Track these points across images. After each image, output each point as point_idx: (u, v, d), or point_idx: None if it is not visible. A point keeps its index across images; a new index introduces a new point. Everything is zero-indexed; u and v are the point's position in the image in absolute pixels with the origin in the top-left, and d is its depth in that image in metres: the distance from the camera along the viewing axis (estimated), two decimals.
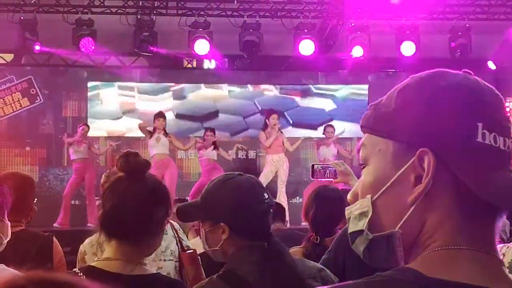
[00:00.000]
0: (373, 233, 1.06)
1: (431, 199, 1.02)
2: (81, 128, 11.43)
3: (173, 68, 12.91)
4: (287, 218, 8.93)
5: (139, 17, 11.20)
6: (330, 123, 12.34)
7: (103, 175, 3.80)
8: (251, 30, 11.31)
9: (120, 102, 12.89)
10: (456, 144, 1.01)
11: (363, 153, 1.11)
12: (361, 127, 1.13)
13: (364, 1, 10.85)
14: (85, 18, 10.93)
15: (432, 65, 1.16)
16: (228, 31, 11.17)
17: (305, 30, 11.33)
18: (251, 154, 12.74)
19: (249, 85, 13.26)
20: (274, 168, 11.23)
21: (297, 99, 13.30)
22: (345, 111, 13.15)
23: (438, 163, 1.01)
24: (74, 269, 2.39)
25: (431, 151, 1.02)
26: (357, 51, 11.41)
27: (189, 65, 12.91)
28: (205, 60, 12.66)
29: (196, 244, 4.30)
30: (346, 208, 1.13)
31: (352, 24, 11.41)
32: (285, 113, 13.04)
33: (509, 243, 2.45)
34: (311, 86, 13.36)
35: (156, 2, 11.16)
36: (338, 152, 11.57)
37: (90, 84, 12.79)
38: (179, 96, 13.05)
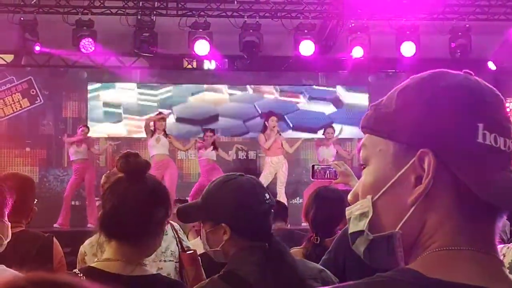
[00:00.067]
0: (373, 233, 1.06)
1: (431, 200, 1.02)
2: (80, 129, 11.44)
3: (173, 69, 12.92)
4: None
5: (139, 17, 11.21)
6: (330, 125, 12.33)
7: (103, 176, 3.79)
8: (251, 31, 11.32)
9: (121, 105, 12.89)
10: (457, 145, 1.01)
11: (364, 153, 1.11)
12: (362, 127, 1.13)
13: (364, 2, 10.85)
14: (85, 19, 10.93)
15: (432, 66, 1.16)
16: (228, 32, 11.17)
17: (305, 31, 11.33)
18: (251, 154, 12.75)
19: (249, 88, 13.26)
20: (273, 170, 11.24)
21: (297, 102, 13.28)
22: (345, 114, 13.16)
23: (439, 163, 1.01)
24: (74, 270, 2.39)
25: (431, 151, 1.01)
26: (357, 52, 11.42)
27: (189, 66, 12.93)
28: (205, 61, 12.67)
29: (196, 244, 4.30)
30: (347, 208, 1.13)
31: (352, 25, 11.42)
32: (285, 116, 13.05)
33: (509, 243, 2.45)
34: (311, 88, 13.35)
35: (156, 3, 11.16)
36: (337, 152, 11.58)
37: (90, 84, 12.79)
38: (179, 99, 13.06)
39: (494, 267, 1.02)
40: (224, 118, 13.05)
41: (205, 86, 13.16)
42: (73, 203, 11.47)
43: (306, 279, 2.27)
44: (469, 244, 1.01)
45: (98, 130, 12.64)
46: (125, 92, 12.96)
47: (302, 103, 13.33)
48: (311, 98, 13.32)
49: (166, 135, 11.12)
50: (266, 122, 11.41)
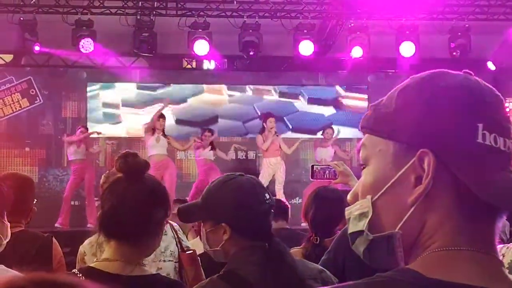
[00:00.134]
0: (373, 233, 1.06)
1: (431, 200, 1.02)
2: (79, 130, 11.44)
3: (172, 69, 12.92)
4: None
5: (138, 17, 11.21)
6: (329, 126, 12.32)
7: (103, 176, 3.80)
8: (250, 31, 11.32)
9: (121, 107, 12.90)
10: (456, 145, 1.01)
11: (363, 153, 1.11)
12: (361, 127, 1.13)
13: (363, 2, 10.85)
14: (85, 19, 10.93)
15: (431, 66, 1.16)
16: (228, 32, 11.17)
17: (305, 31, 11.33)
18: (251, 154, 12.75)
19: (248, 89, 13.25)
20: (271, 171, 11.25)
21: (296, 103, 13.27)
22: (345, 116, 13.16)
23: (438, 163, 1.01)
24: (73, 270, 2.39)
25: (431, 151, 1.01)
26: (357, 52, 11.42)
27: (189, 66, 12.92)
28: (204, 61, 12.67)
29: (195, 244, 4.30)
30: (346, 208, 1.13)
31: (352, 25, 11.42)
32: (284, 118, 13.06)
33: (508, 243, 2.45)
34: (310, 89, 13.34)
35: (155, 3, 11.16)
36: (335, 153, 11.60)
37: (89, 84, 12.79)
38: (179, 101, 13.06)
39: (494, 267, 1.02)
40: (224, 120, 13.04)
41: (204, 87, 13.15)
42: (72, 203, 11.47)
43: (306, 279, 2.27)
44: (469, 245, 1.01)
45: (98, 130, 12.65)
46: (125, 92, 12.95)
47: (302, 104, 13.31)
48: (310, 99, 13.31)
49: (165, 135, 11.13)
50: (264, 123, 11.42)
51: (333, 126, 12.45)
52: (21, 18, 10.84)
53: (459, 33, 11.54)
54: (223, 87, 13.19)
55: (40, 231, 3.84)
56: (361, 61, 11.74)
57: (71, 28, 10.93)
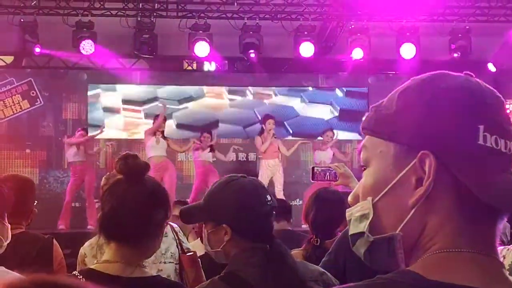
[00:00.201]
0: (374, 235, 1.06)
1: (432, 202, 1.02)
2: (79, 133, 11.45)
3: (173, 70, 12.92)
4: None
5: (139, 19, 11.21)
6: (330, 128, 12.30)
7: (103, 178, 3.79)
8: (251, 32, 11.32)
9: (121, 108, 12.91)
10: (457, 147, 1.01)
11: (364, 155, 1.11)
12: (362, 128, 1.13)
13: (363, 3, 10.85)
14: (85, 20, 10.93)
15: (432, 67, 1.16)
16: (228, 33, 11.17)
17: (305, 32, 11.33)
18: (252, 156, 12.74)
19: (249, 93, 13.24)
20: (270, 173, 11.25)
21: (297, 107, 13.27)
22: (345, 118, 13.16)
23: (439, 165, 1.01)
24: (74, 272, 2.39)
25: (432, 153, 1.01)
26: (357, 53, 11.41)
27: (189, 67, 12.92)
28: (205, 62, 12.67)
29: (196, 246, 4.30)
30: (347, 210, 1.13)
31: (352, 26, 11.41)
32: (284, 122, 13.07)
33: (509, 245, 2.45)
34: (310, 92, 13.34)
35: (156, 4, 11.17)
36: (334, 155, 11.60)
37: (90, 86, 12.79)
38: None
39: (495, 269, 1.02)
40: (224, 124, 13.05)
41: (205, 91, 13.14)
42: (73, 204, 11.48)
43: (307, 281, 2.28)
44: (469, 246, 1.01)
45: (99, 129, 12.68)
46: (125, 94, 12.95)
47: (302, 108, 13.30)
48: (310, 103, 13.30)
49: (164, 137, 11.15)
50: (263, 125, 11.42)
51: (333, 129, 12.46)
52: (22, 20, 10.84)
53: (460, 35, 11.54)
54: (224, 91, 13.18)
55: (41, 233, 3.84)
56: (362, 62, 11.74)
57: (72, 29, 10.92)
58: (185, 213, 2.48)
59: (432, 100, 1.04)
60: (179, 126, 12.89)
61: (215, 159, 11.74)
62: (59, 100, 12.69)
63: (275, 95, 13.31)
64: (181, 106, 12.99)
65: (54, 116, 12.65)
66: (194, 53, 11.21)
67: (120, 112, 12.89)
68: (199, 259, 3.61)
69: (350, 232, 1.11)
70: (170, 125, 12.45)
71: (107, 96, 12.88)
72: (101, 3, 10.81)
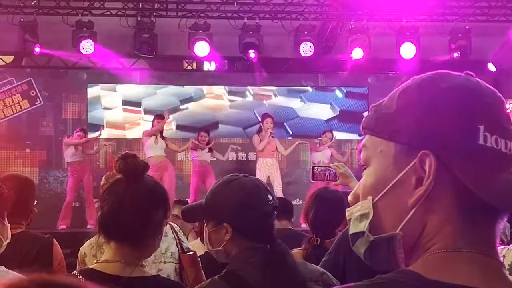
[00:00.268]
0: (374, 234, 1.06)
1: (432, 201, 1.02)
2: (77, 134, 11.45)
3: (173, 70, 12.92)
4: None
5: (139, 19, 11.22)
6: (329, 129, 12.30)
7: (103, 177, 3.79)
8: (251, 32, 11.33)
9: (121, 108, 12.91)
10: (458, 147, 1.01)
11: (364, 154, 1.11)
12: (362, 128, 1.13)
13: (363, 3, 10.86)
14: (85, 20, 10.93)
15: (432, 67, 1.16)
16: (228, 33, 11.18)
17: (305, 32, 11.34)
18: (251, 156, 12.74)
19: (248, 94, 13.24)
20: (267, 171, 11.24)
21: (297, 108, 13.26)
22: (344, 118, 13.15)
23: (439, 165, 1.01)
24: (74, 272, 2.39)
25: (432, 153, 1.01)
26: (357, 53, 11.42)
27: (189, 67, 12.92)
28: (205, 62, 12.67)
29: (196, 246, 4.30)
30: (347, 209, 1.13)
31: (352, 26, 11.42)
32: (284, 124, 13.07)
33: (509, 245, 2.45)
34: (310, 93, 13.34)
35: (156, 4, 11.17)
36: (332, 155, 11.60)
37: (90, 86, 12.80)
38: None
39: (494, 269, 1.02)
40: (224, 126, 13.06)
41: (205, 92, 13.14)
42: (73, 204, 11.48)
43: (307, 282, 2.27)
44: (469, 246, 1.01)
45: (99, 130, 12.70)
46: (125, 93, 12.96)
47: (301, 109, 13.29)
48: (310, 103, 13.29)
49: (163, 137, 11.16)
50: (261, 124, 11.43)
51: (332, 127, 12.47)
52: (22, 20, 10.85)
53: (460, 35, 11.55)
54: (224, 92, 13.18)
55: (41, 233, 3.84)
56: (362, 62, 11.74)
57: (72, 29, 10.93)
58: (187, 212, 2.49)
59: (432, 100, 1.04)
60: (179, 127, 12.89)
61: (214, 158, 11.74)
62: (59, 100, 12.69)
63: (275, 96, 13.31)
64: (181, 107, 13.00)
65: (54, 116, 12.65)
66: (194, 53, 11.22)
67: (120, 111, 12.89)
68: (199, 259, 3.61)
69: (350, 232, 1.11)
70: (170, 127, 12.48)
71: (107, 96, 12.88)
72: (101, 2, 10.82)
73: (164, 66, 12.69)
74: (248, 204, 2.26)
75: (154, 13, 11.26)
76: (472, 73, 1.09)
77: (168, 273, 3.55)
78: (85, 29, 10.94)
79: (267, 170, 11.26)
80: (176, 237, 3.72)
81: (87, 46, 10.87)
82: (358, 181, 1.16)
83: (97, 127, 12.32)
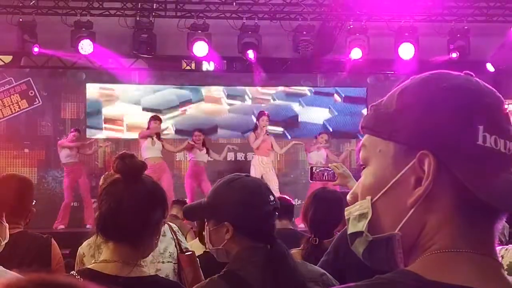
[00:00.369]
0: (372, 234, 1.06)
1: (431, 201, 1.02)
2: (72, 134, 11.45)
3: (171, 70, 12.92)
4: None
5: (138, 19, 11.21)
6: (326, 131, 12.29)
7: (102, 177, 3.79)
8: (250, 32, 11.33)
9: (120, 108, 12.91)
10: (457, 147, 1.01)
11: (363, 154, 1.11)
12: (362, 127, 1.13)
13: (362, 3, 10.86)
14: (84, 20, 10.93)
15: (430, 67, 1.16)
16: (227, 33, 11.18)
17: (304, 32, 11.33)
18: (250, 156, 12.74)
19: (247, 98, 13.23)
20: (262, 169, 11.23)
21: (296, 109, 13.26)
22: (343, 118, 13.15)
23: (439, 165, 1.01)
24: (72, 272, 2.38)
25: (431, 153, 1.01)
26: (356, 53, 11.41)
27: (188, 67, 12.91)
28: (203, 62, 12.66)
29: (195, 246, 4.30)
30: (346, 208, 1.13)
31: (351, 26, 11.42)
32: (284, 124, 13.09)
33: (507, 245, 2.46)
34: (309, 96, 13.33)
35: (155, 4, 11.17)
36: (327, 156, 11.60)
37: (88, 86, 12.79)
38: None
39: (493, 269, 1.02)
40: (223, 130, 13.05)
41: (204, 95, 13.12)
42: (71, 204, 11.48)
43: (307, 282, 2.27)
44: (468, 246, 1.01)
45: (98, 132, 12.70)
46: (124, 93, 12.95)
47: (301, 111, 13.28)
48: (308, 107, 13.29)
49: (159, 138, 11.16)
50: (257, 121, 11.44)
51: (331, 128, 12.46)
52: (21, 20, 10.84)
53: (458, 35, 11.55)
54: (223, 96, 13.17)
55: (39, 232, 3.84)
56: (360, 62, 11.74)
57: (70, 29, 10.93)
58: (189, 210, 2.51)
59: (432, 100, 1.04)
60: (178, 131, 12.89)
61: (211, 159, 11.74)
62: (57, 100, 12.68)
63: (273, 99, 13.30)
64: (180, 111, 13.01)
65: (52, 116, 12.65)
66: (193, 53, 11.22)
67: (119, 111, 12.89)
68: (197, 259, 3.61)
69: (349, 231, 1.11)
70: (169, 130, 12.50)
71: (106, 96, 12.87)
72: (100, 3, 10.82)
73: (163, 66, 12.69)
74: (250, 204, 2.27)
75: (153, 13, 11.26)
76: (472, 73, 1.09)
77: (167, 273, 3.54)
78: (84, 29, 10.94)
79: (262, 168, 11.25)
80: (175, 237, 3.72)
81: (86, 46, 10.86)
82: (357, 181, 1.16)
83: (96, 127, 12.31)
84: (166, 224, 3.37)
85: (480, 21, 11.41)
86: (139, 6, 11.15)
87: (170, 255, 3.65)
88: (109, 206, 2.26)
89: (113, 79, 12.60)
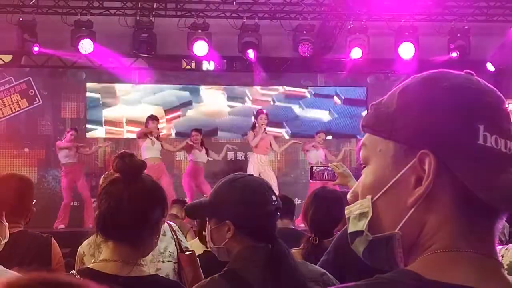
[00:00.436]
0: (373, 233, 1.06)
1: (431, 201, 1.02)
2: (70, 133, 11.44)
3: (171, 70, 12.91)
4: None
5: (138, 18, 11.22)
6: (324, 131, 12.29)
7: (102, 177, 3.79)
8: (250, 32, 11.32)
9: (119, 108, 12.90)
10: (457, 146, 1.01)
11: (364, 153, 1.11)
12: (362, 126, 1.12)
13: (362, 3, 10.86)
14: (84, 20, 10.93)
15: (431, 67, 1.16)
16: (227, 33, 11.18)
17: (304, 32, 11.33)
18: (250, 156, 12.74)
19: (247, 100, 13.22)
20: (260, 168, 11.22)
21: (296, 110, 13.25)
22: (343, 118, 13.15)
23: (439, 165, 1.01)
24: (72, 272, 2.38)
25: (431, 152, 1.01)
26: (356, 53, 11.41)
27: (188, 67, 12.91)
28: (204, 62, 12.66)
29: (195, 245, 4.30)
30: (346, 207, 1.13)
31: (351, 26, 11.42)
32: (284, 123, 13.06)
33: (507, 245, 2.46)
34: (308, 98, 13.33)
35: (155, 4, 11.17)
36: (325, 156, 11.60)
37: (88, 85, 12.79)
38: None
39: (493, 268, 1.02)
40: (223, 132, 13.05)
41: (203, 97, 13.11)
42: (72, 204, 11.48)
43: (308, 282, 2.27)
44: (468, 246, 1.01)
45: (98, 131, 12.69)
46: (124, 93, 12.95)
47: (301, 111, 13.28)
48: (308, 109, 13.28)
49: (158, 138, 11.16)
50: (255, 120, 11.43)
51: (331, 130, 12.46)
52: (21, 19, 10.84)
53: (459, 34, 11.55)
54: (223, 98, 13.16)
55: (39, 232, 3.84)
56: (361, 62, 11.74)
57: (71, 28, 10.93)
58: (191, 209, 2.52)
59: (432, 99, 1.03)
60: (178, 134, 12.89)
61: (210, 158, 11.74)
62: (57, 99, 12.68)
63: (273, 102, 13.30)
64: (180, 113, 13.00)
65: (52, 115, 12.65)
66: (193, 52, 11.22)
67: (119, 111, 12.89)
68: (197, 258, 3.61)
69: (349, 230, 1.11)
70: (169, 133, 12.48)
71: (106, 95, 12.87)
72: (100, 2, 10.82)
73: (163, 66, 12.69)
74: (252, 203, 2.26)
75: (153, 13, 11.26)
76: (472, 72, 1.09)
77: (167, 272, 3.54)
78: (84, 28, 10.93)
79: (260, 166, 11.25)
80: (175, 237, 3.72)
81: (86, 46, 10.86)
82: (357, 180, 1.15)
83: (96, 126, 12.30)
84: (166, 223, 3.37)
85: (480, 20, 11.41)
86: (139, 6, 11.15)
87: (170, 254, 3.65)
88: (108, 205, 2.26)
89: (113, 79, 12.59)
